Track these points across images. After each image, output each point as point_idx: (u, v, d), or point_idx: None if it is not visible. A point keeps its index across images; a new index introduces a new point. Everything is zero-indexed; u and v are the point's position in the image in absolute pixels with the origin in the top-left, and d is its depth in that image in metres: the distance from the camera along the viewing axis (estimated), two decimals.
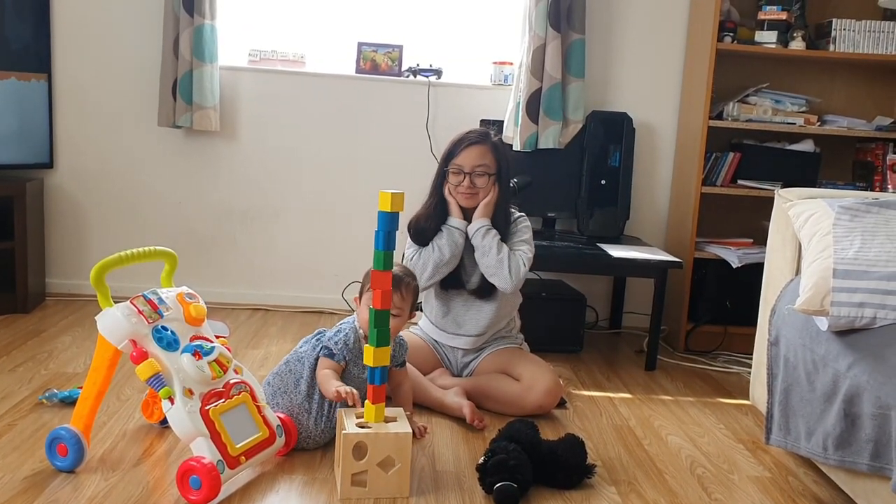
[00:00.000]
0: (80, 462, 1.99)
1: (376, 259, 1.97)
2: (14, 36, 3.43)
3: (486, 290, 2.67)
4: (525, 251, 2.64)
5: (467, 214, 2.67)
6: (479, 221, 2.63)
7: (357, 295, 2.37)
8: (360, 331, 2.26)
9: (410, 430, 1.99)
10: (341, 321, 2.32)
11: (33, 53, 3.51)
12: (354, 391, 2.04)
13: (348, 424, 1.96)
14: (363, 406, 2.02)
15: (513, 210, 2.75)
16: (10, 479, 1.94)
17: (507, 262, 2.58)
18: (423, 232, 2.67)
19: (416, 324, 2.88)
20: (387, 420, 2.02)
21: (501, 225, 2.66)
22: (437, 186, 2.68)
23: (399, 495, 1.98)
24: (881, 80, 3.73)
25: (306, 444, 2.20)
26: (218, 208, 3.77)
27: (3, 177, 3.42)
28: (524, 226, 2.72)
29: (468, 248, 2.66)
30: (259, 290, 3.81)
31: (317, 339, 2.29)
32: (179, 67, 3.47)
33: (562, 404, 2.69)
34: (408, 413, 2.27)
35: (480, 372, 2.70)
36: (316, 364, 2.22)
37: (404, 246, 2.72)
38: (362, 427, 1.96)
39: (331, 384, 2.10)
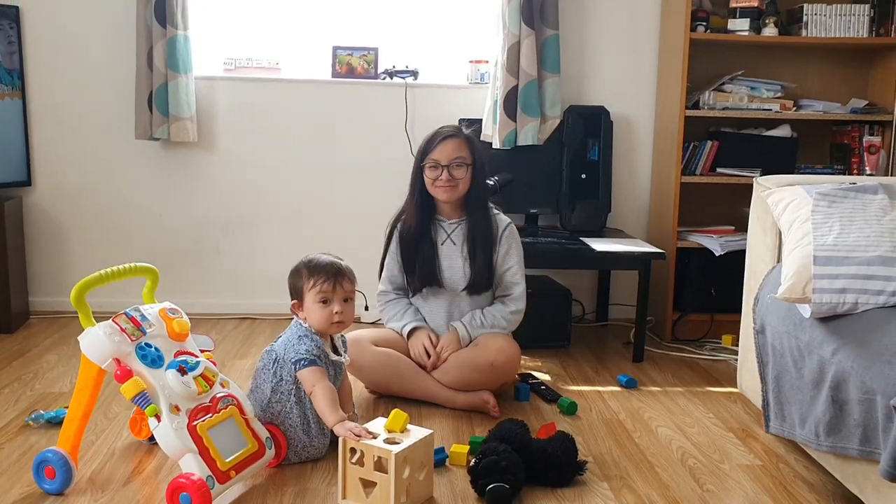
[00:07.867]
0: (69, 484, 1.97)
1: None
2: None
3: (473, 287, 2.73)
4: (520, 285, 2.74)
5: (444, 209, 2.74)
6: (458, 330, 2.69)
7: (295, 300, 2.24)
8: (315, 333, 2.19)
9: (431, 430, 1.99)
10: (284, 332, 2.23)
11: (5, 72, 3.48)
12: (365, 427, 1.96)
13: (381, 443, 1.89)
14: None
15: (497, 212, 2.77)
16: None
17: (502, 327, 2.71)
18: (409, 238, 2.72)
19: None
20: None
21: (480, 219, 2.70)
22: (416, 183, 2.72)
23: (430, 496, 2.00)
24: (854, 63, 3.75)
25: (309, 454, 2.17)
26: (199, 219, 3.75)
27: None
28: (515, 242, 2.76)
29: (446, 249, 2.72)
30: (244, 300, 3.79)
31: (273, 361, 2.18)
32: (154, 79, 3.45)
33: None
34: (350, 413, 2.27)
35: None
36: (274, 384, 2.16)
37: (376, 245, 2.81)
38: (392, 442, 1.90)
39: (335, 416, 2.03)
